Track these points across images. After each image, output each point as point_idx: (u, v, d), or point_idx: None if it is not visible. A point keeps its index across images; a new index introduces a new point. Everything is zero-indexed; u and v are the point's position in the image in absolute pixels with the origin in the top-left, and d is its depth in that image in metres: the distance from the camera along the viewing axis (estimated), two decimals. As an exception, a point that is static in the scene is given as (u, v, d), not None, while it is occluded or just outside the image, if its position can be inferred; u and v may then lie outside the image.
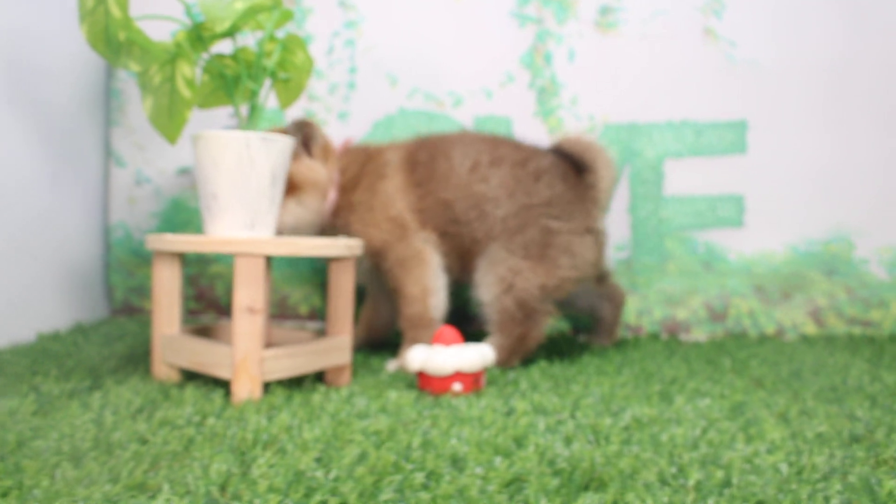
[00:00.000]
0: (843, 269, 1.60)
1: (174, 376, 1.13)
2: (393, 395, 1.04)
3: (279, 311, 1.65)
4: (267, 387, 1.08)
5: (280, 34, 1.47)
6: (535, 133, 1.61)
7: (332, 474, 0.73)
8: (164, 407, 0.96)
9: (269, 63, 1.14)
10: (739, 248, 1.61)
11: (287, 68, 1.21)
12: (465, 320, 1.59)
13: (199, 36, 1.09)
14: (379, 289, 1.44)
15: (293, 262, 1.65)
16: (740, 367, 1.30)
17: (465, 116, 1.62)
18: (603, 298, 1.50)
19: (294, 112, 1.61)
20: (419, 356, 1.09)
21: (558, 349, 1.46)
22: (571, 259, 1.30)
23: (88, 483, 0.70)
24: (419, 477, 0.73)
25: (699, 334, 1.62)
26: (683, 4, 1.60)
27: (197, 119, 1.62)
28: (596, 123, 1.61)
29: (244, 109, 1.39)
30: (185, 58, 1.04)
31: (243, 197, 1.09)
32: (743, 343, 1.53)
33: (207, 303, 1.66)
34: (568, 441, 0.85)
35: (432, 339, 1.13)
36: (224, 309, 1.65)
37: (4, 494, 0.67)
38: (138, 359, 1.26)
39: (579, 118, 1.61)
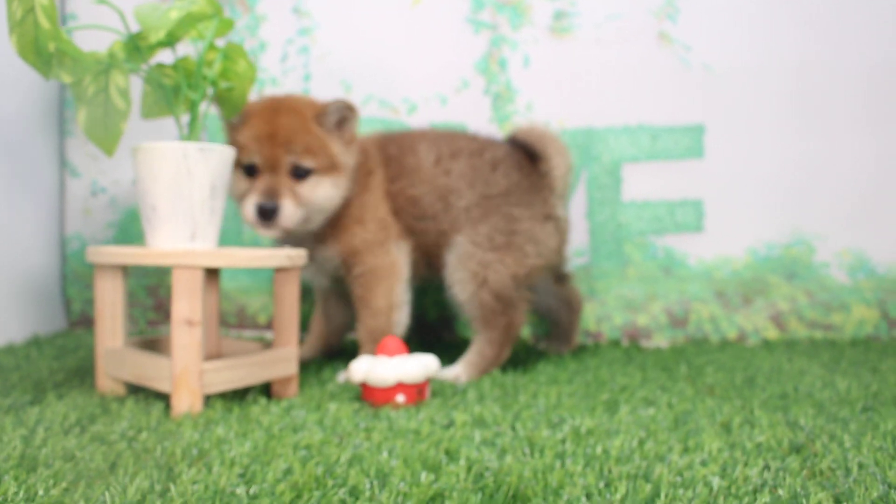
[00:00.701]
0: (804, 273, 1.60)
1: (119, 390, 1.12)
2: (332, 407, 1.03)
3: (238, 321, 1.64)
4: (209, 399, 1.06)
5: (221, 43, 1.46)
6: (493, 139, 1.60)
7: (253, 490, 0.72)
8: (101, 422, 0.95)
9: (210, 72, 1.13)
10: (699, 252, 1.61)
11: (229, 77, 1.20)
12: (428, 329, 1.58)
13: (136, 46, 1.07)
14: (331, 294, 1.42)
15: (251, 272, 1.64)
16: (695, 374, 1.29)
17: (419, 123, 1.61)
18: (561, 302, 1.50)
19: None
20: (362, 367, 1.07)
21: (515, 357, 1.45)
22: (536, 246, 1.31)
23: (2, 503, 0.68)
24: (340, 493, 0.71)
25: (660, 340, 1.61)
26: (638, 9, 1.59)
27: (151, 129, 1.60)
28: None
29: (185, 119, 1.37)
30: (118, 68, 1.03)
31: (182, 208, 1.07)
32: (703, 349, 1.52)
33: (166, 313, 1.64)
34: (501, 454, 0.84)
35: (376, 350, 1.12)
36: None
37: None
38: (86, 372, 1.24)
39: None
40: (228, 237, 1.63)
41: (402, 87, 1.61)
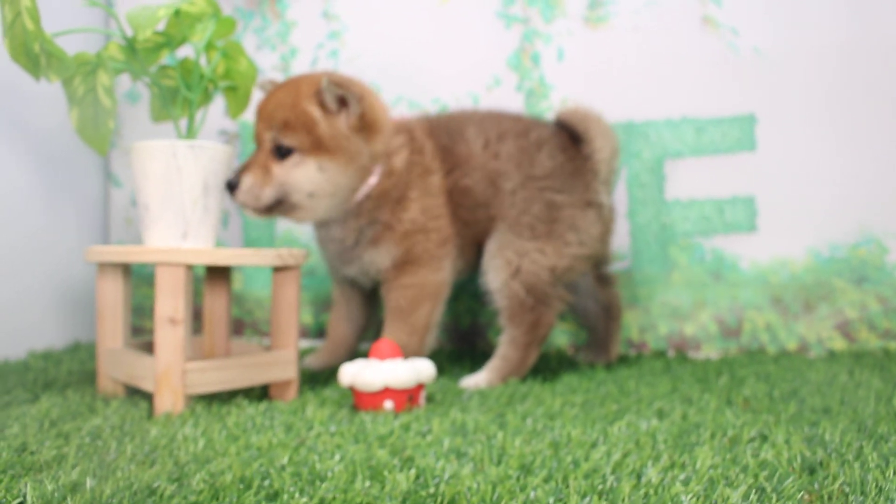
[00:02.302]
0: (875, 276, 1.43)
1: (119, 390, 1.12)
2: (310, 410, 0.98)
3: (268, 328, 1.62)
4: (200, 400, 1.04)
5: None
6: (527, 138, 1.52)
7: (172, 490, 0.68)
8: (78, 420, 0.94)
9: (208, 71, 1.12)
10: (753, 255, 1.46)
11: (232, 76, 1.19)
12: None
13: (132, 48, 1.08)
14: (357, 294, 1.37)
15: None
16: (734, 385, 1.17)
17: (453, 124, 1.55)
18: (600, 306, 1.40)
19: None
20: (349, 371, 1.02)
21: (545, 366, 1.36)
22: (577, 235, 1.24)
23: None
24: (258, 497, 0.67)
25: (710, 351, 1.48)
26: (679, -8, 1.48)
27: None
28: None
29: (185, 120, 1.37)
30: (103, 68, 1.03)
31: (173, 207, 1.06)
32: (756, 360, 1.38)
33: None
34: (463, 464, 0.76)
35: (369, 353, 1.06)
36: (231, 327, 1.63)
37: None
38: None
39: (571, 120, 1.51)
40: (261, 240, 1.63)
41: (432, 87, 1.56)
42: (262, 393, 1.14)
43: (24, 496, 0.66)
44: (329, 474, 0.72)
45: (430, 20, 1.57)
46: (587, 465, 0.74)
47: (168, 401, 0.99)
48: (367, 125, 1.17)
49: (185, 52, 1.46)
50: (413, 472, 0.73)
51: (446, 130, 1.28)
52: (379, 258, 1.23)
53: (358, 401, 1.02)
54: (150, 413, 0.99)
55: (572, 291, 1.35)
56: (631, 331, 1.50)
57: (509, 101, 1.53)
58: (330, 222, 1.22)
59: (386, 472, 0.73)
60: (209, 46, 1.13)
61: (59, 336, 1.54)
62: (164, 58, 1.14)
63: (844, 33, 1.45)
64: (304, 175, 1.14)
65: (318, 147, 1.13)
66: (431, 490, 0.68)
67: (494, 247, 1.24)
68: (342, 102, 1.15)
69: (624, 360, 1.43)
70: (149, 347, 1.20)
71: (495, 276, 1.23)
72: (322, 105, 1.14)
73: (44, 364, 1.35)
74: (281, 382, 1.11)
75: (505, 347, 1.23)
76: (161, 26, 1.10)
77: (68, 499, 0.65)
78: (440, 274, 1.23)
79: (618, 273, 1.50)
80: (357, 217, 1.21)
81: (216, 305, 1.20)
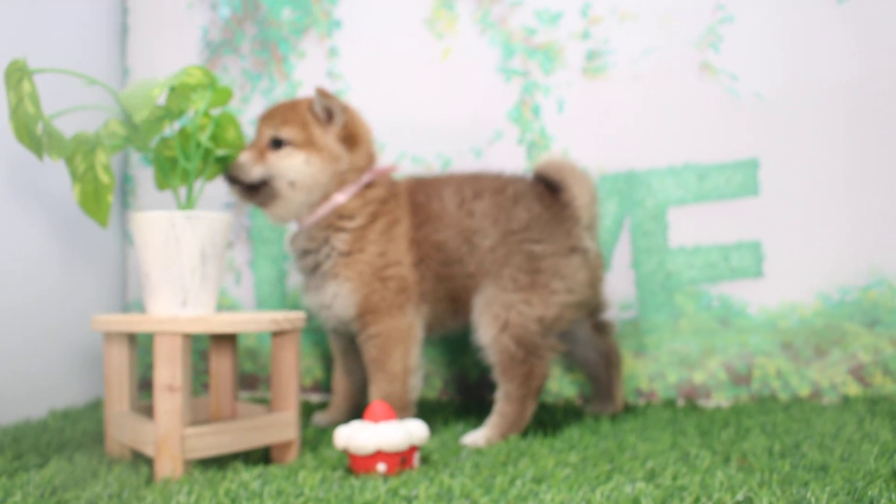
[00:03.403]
0: (888, 319, 1.39)
1: (126, 454, 1.15)
2: (303, 475, 1.00)
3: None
4: (201, 464, 1.06)
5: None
6: (531, 189, 1.53)
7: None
8: (79, 487, 0.97)
9: (205, 141, 1.16)
10: (760, 300, 1.44)
11: (221, 145, 1.23)
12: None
13: (132, 124, 1.12)
14: (349, 348, 1.40)
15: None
16: (737, 438, 1.15)
17: (456, 177, 1.57)
18: (599, 354, 1.40)
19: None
20: (343, 434, 1.04)
21: (551, 419, 1.36)
22: (563, 282, 1.25)
23: None
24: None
25: (721, 399, 1.46)
26: (676, 40, 1.49)
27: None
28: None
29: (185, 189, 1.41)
30: (101, 146, 1.08)
31: (172, 276, 1.09)
32: (766, 409, 1.35)
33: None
34: (439, 532, 0.77)
35: (363, 415, 1.08)
36: (243, 383, 1.66)
37: None
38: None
39: (573, 170, 1.52)
40: (272, 297, 1.66)
41: (435, 142, 1.58)
42: (264, 454, 1.16)
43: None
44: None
45: (431, 76, 1.60)
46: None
47: (168, 466, 1.01)
48: (349, 135, 1.30)
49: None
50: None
51: (425, 189, 1.34)
52: (341, 297, 1.28)
53: (352, 463, 1.03)
54: (151, 478, 1.02)
55: (570, 342, 1.35)
56: (640, 380, 1.49)
57: (511, 153, 1.55)
58: (297, 233, 1.33)
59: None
60: (205, 116, 1.17)
61: (80, 394, 1.58)
62: (166, 129, 1.19)
63: (847, 73, 1.44)
64: (291, 164, 1.27)
65: (308, 144, 1.28)
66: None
67: (482, 302, 1.26)
68: (329, 115, 1.29)
69: (632, 410, 1.42)
70: (150, 412, 1.23)
71: (485, 331, 1.25)
72: (314, 114, 1.30)
73: (62, 423, 1.39)
74: (281, 444, 1.12)
75: (501, 403, 1.23)
76: (162, 99, 1.15)
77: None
78: (404, 319, 1.27)
79: (624, 322, 1.50)
80: (321, 229, 1.29)
81: (221, 367, 1.23)
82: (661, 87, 1.50)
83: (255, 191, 1.29)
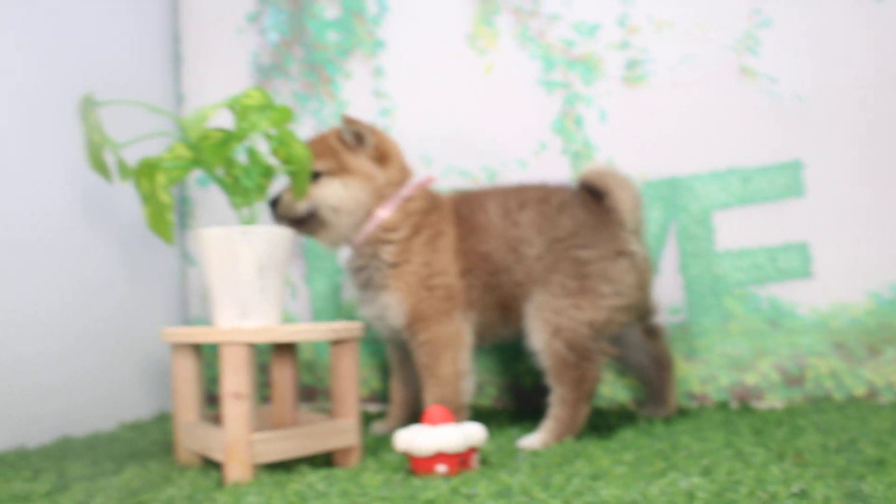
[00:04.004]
0: (942, 316, 1.39)
1: (195, 461, 1.20)
2: (366, 477, 1.03)
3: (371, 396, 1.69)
4: (268, 468, 1.10)
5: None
6: (576, 197, 1.56)
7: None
8: (155, 490, 1.02)
9: (263, 160, 1.21)
10: (810, 301, 1.45)
11: (292, 161, 1.28)
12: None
13: (196, 146, 1.18)
14: (405, 357, 1.44)
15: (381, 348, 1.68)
16: (791, 437, 1.16)
17: (502, 188, 1.61)
18: (651, 358, 1.42)
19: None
20: (404, 437, 1.07)
21: (605, 422, 1.37)
22: (612, 285, 1.27)
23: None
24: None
25: (774, 400, 1.46)
26: (714, 46, 1.51)
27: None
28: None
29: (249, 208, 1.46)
30: (160, 168, 1.14)
31: (231, 289, 1.14)
32: (821, 409, 1.35)
33: (304, 391, 1.72)
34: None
35: (421, 419, 1.11)
36: (302, 394, 1.71)
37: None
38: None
39: (617, 178, 1.54)
40: (327, 310, 1.70)
41: (480, 156, 1.62)
42: (326, 459, 1.20)
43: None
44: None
45: (474, 92, 1.64)
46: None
47: (237, 470, 1.05)
48: (381, 154, 1.37)
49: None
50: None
51: (470, 202, 1.39)
52: (391, 307, 1.33)
53: (413, 465, 1.06)
54: (220, 482, 1.06)
55: (621, 346, 1.37)
56: (691, 383, 1.50)
57: (555, 164, 1.58)
58: (351, 254, 1.39)
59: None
60: (268, 136, 1.22)
61: (147, 407, 1.65)
62: (232, 151, 1.24)
63: (887, 71, 1.44)
64: (330, 192, 1.34)
65: (342, 170, 1.35)
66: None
67: (532, 309, 1.29)
68: (358, 138, 1.35)
69: (684, 413, 1.43)
70: (221, 419, 1.28)
71: (537, 336, 1.28)
72: (343, 141, 1.36)
73: (131, 434, 1.45)
74: (343, 449, 1.16)
75: (555, 407, 1.26)
76: (227, 122, 1.20)
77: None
78: (452, 325, 1.32)
79: (674, 326, 1.51)
80: (369, 244, 1.35)
81: (283, 377, 1.27)
82: (701, 92, 1.52)
83: (304, 223, 1.36)
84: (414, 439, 1.05)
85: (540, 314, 1.28)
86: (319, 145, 1.36)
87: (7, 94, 1.36)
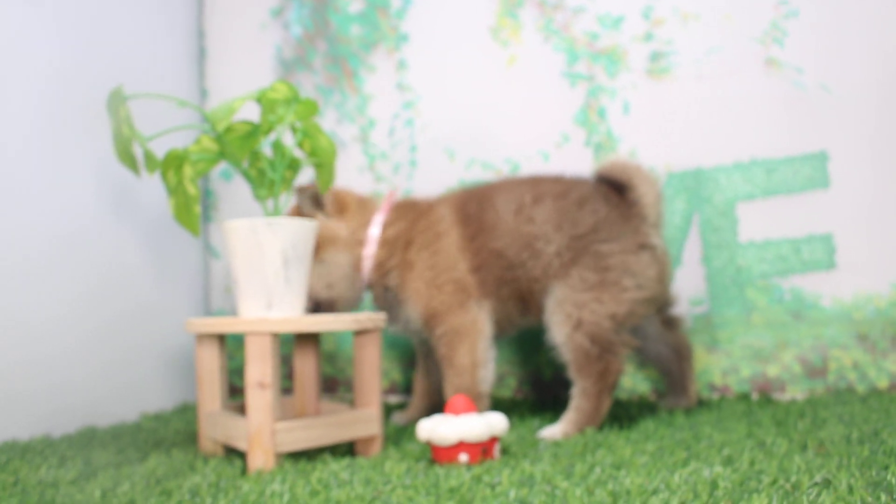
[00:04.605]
0: (969, 309, 1.38)
1: (218, 450, 1.21)
2: (389, 465, 1.04)
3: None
4: (291, 457, 1.12)
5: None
6: (598, 189, 1.56)
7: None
8: (180, 477, 1.03)
9: (289, 152, 1.22)
10: (834, 292, 1.44)
11: (317, 154, 1.29)
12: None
13: (222, 139, 1.20)
14: (430, 350, 1.45)
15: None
16: (813, 428, 1.15)
17: (524, 181, 1.61)
18: (670, 349, 1.42)
19: (363, 192, 1.70)
20: (426, 426, 1.08)
21: (626, 413, 1.38)
22: (633, 278, 1.27)
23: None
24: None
25: (796, 392, 1.45)
26: (740, 37, 1.50)
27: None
28: (658, 174, 1.53)
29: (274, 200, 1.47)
30: (187, 161, 1.15)
31: (257, 280, 1.16)
32: (843, 401, 1.35)
33: (326, 382, 1.74)
34: (522, 513, 0.81)
35: (444, 408, 1.12)
36: (323, 385, 1.73)
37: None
38: (202, 435, 1.36)
39: (640, 170, 1.54)
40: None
41: (503, 148, 1.63)
42: (348, 449, 1.21)
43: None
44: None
45: (497, 84, 1.64)
46: (643, 515, 0.77)
47: (260, 459, 1.07)
48: (339, 206, 1.39)
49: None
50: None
51: (477, 200, 1.38)
52: (411, 315, 1.35)
53: (435, 454, 1.07)
54: (244, 470, 1.08)
55: (641, 338, 1.38)
56: (713, 375, 1.50)
57: (578, 156, 1.59)
58: (371, 293, 1.42)
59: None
60: (292, 129, 1.24)
61: (169, 398, 1.67)
62: (258, 144, 1.25)
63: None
64: (315, 275, 1.35)
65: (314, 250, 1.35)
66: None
67: (553, 303, 1.29)
68: (316, 201, 1.37)
69: (705, 404, 1.43)
70: (243, 409, 1.30)
71: (558, 330, 1.28)
72: (302, 215, 1.37)
73: (154, 425, 1.47)
74: (365, 438, 1.18)
75: (577, 399, 1.26)
76: (252, 115, 1.22)
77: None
78: (467, 316, 1.32)
79: (696, 317, 1.51)
80: (376, 282, 1.38)
81: (306, 367, 1.29)
82: (726, 84, 1.51)
83: (320, 309, 1.38)
84: (436, 428, 1.06)
85: (561, 308, 1.28)
86: None
87: (35, 90, 1.38)
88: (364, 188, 1.70)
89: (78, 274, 1.45)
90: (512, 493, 0.87)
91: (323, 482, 0.97)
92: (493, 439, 1.08)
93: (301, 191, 1.36)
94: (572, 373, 1.27)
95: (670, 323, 1.42)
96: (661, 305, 1.39)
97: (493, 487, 0.92)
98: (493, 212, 1.35)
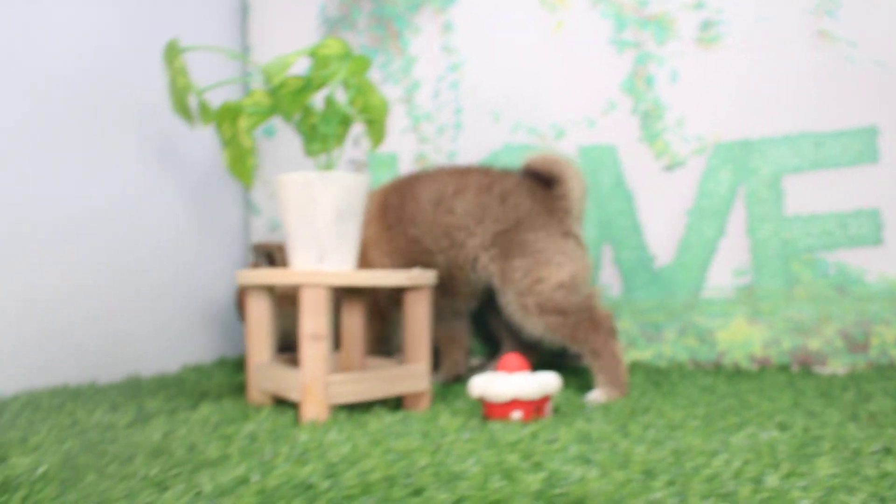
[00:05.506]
0: None
1: (266, 401, 1.22)
2: (446, 419, 1.05)
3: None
4: (339, 410, 1.13)
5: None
6: (642, 158, 1.57)
7: (328, 484, 0.76)
8: (235, 424, 1.05)
9: (343, 108, 1.22)
10: (880, 268, 1.44)
11: (369, 111, 1.29)
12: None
13: (276, 93, 1.19)
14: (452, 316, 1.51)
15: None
16: (860, 401, 1.16)
17: (568, 147, 1.61)
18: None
19: (406, 153, 1.70)
20: (479, 383, 1.09)
21: (664, 379, 1.38)
22: (565, 255, 1.32)
23: (122, 479, 0.79)
24: (403, 492, 0.74)
25: (837, 366, 1.46)
26: (791, 8, 1.48)
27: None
28: (705, 144, 1.53)
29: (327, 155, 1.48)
30: (243, 113, 1.15)
31: (310, 233, 1.16)
32: (886, 375, 1.35)
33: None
34: (588, 468, 0.81)
35: (497, 366, 1.13)
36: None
37: (50, 482, 0.77)
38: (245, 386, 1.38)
39: (686, 140, 1.54)
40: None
41: (548, 113, 1.62)
42: (396, 404, 1.22)
43: (202, 487, 0.76)
44: (465, 475, 0.79)
45: (544, 49, 1.63)
46: (708, 471, 0.78)
47: (313, 409, 1.08)
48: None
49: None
50: (543, 474, 0.78)
51: (401, 191, 1.44)
52: None
53: (487, 411, 1.08)
54: (296, 420, 1.09)
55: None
56: (753, 346, 1.50)
57: (625, 123, 1.58)
58: None
59: (517, 474, 0.79)
60: (344, 85, 1.23)
61: (208, 351, 1.69)
62: (309, 99, 1.25)
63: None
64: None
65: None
66: (560, 490, 0.73)
67: (505, 303, 1.34)
68: (270, 259, 1.51)
69: (745, 374, 1.43)
70: (291, 362, 1.31)
71: (530, 323, 1.32)
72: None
73: (196, 376, 1.49)
74: (414, 394, 1.19)
75: (593, 363, 1.28)
76: (303, 70, 1.21)
77: (238, 490, 0.75)
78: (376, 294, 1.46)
79: (739, 288, 1.51)
80: None
81: (353, 323, 1.29)
82: (776, 55, 1.50)
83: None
84: (490, 385, 1.07)
85: (518, 301, 1.31)
86: (242, 295, 1.55)
87: (80, 45, 1.38)
88: (408, 149, 1.70)
89: (126, 234, 1.47)
90: (572, 449, 0.88)
91: (381, 432, 0.98)
92: (546, 398, 1.09)
93: (257, 248, 1.50)
94: (571, 347, 1.30)
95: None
96: None
97: (550, 443, 0.93)
98: (414, 203, 1.40)
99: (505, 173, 1.39)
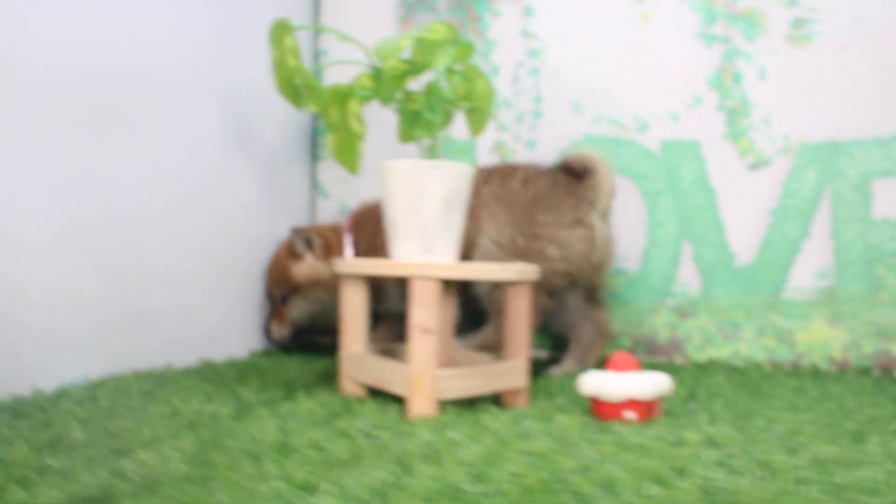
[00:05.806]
0: None
1: (360, 392, 1.21)
2: (561, 419, 1.04)
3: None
4: (443, 405, 1.12)
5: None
6: (726, 156, 1.55)
7: (483, 489, 0.75)
8: (344, 418, 1.03)
9: (449, 94, 1.20)
10: (968, 276, 1.44)
11: (473, 98, 1.27)
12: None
13: (381, 77, 1.17)
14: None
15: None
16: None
17: (651, 141, 1.59)
18: (589, 321, 1.50)
19: (485, 141, 1.68)
20: (591, 381, 1.08)
21: (746, 381, 1.38)
22: (560, 250, 1.39)
23: (262, 479, 0.77)
24: (567, 498, 0.73)
25: (919, 372, 1.46)
26: (890, 7, 1.46)
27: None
28: (791, 144, 1.52)
29: (430, 141, 1.46)
30: (353, 97, 1.13)
31: (417, 223, 1.14)
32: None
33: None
34: (733, 475, 0.81)
35: (605, 364, 1.12)
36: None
37: (192, 481, 0.76)
38: (330, 375, 1.36)
39: (773, 139, 1.52)
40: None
41: (631, 106, 1.60)
42: (492, 399, 1.21)
43: (349, 489, 0.74)
44: (620, 481, 0.78)
45: (629, 39, 1.61)
46: (862, 483, 0.77)
47: (421, 405, 1.06)
48: (327, 248, 1.56)
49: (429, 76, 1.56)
50: (693, 481, 0.78)
51: (365, 218, 1.57)
52: None
53: (598, 410, 1.07)
54: (402, 415, 1.08)
55: (561, 307, 1.50)
56: (832, 348, 1.50)
57: (710, 119, 1.56)
58: None
59: (669, 480, 0.78)
60: (449, 70, 1.21)
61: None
62: (410, 83, 1.23)
63: None
64: (297, 309, 1.59)
65: (297, 288, 1.57)
66: (724, 499, 0.72)
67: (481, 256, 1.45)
68: (308, 243, 1.55)
69: (826, 376, 1.43)
70: (385, 353, 1.30)
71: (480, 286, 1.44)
72: (292, 254, 1.56)
73: (267, 363, 1.48)
74: (513, 390, 1.18)
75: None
76: (407, 54, 1.19)
77: (390, 493, 0.73)
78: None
79: (819, 290, 1.50)
80: None
81: (446, 315, 1.28)
82: (870, 55, 1.48)
83: (299, 336, 1.64)
84: (604, 385, 1.06)
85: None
86: (273, 272, 1.59)
87: (175, 32, 1.35)
88: (486, 137, 1.68)
89: (200, 218, 1.45)
90: (705, 454, 0.87)
91: (502, 432, 0.97)
92: (658, 399, 1.08)
93: (297, 232, 1.54)
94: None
95: (595, 302, 1.51)
96: (588, 287, 1.48)
97: (677, 446, 0.92)
98: (375, 222, 1.51)
99: (536, 168, 1.48)
